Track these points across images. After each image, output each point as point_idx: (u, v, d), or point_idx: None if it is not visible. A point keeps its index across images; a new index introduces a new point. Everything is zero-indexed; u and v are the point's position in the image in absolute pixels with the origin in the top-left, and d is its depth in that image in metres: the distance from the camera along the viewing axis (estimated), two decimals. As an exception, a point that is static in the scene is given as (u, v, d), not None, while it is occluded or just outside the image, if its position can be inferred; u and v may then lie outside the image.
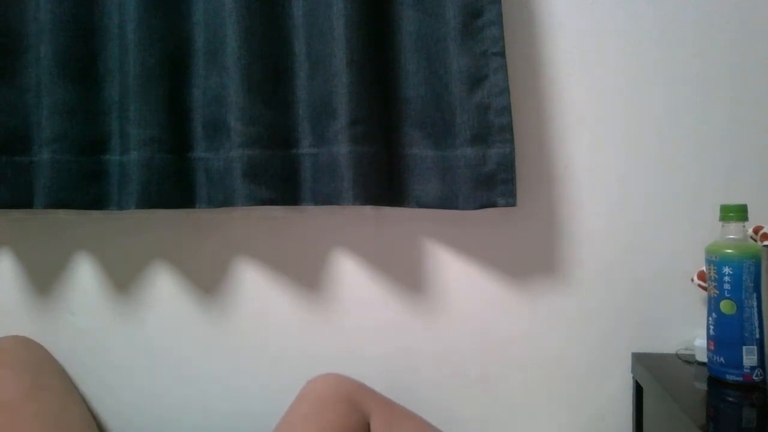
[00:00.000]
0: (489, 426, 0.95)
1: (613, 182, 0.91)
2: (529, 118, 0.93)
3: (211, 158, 0.93)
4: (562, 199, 0.93)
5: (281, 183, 0.90)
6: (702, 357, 0.82)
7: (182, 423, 1.02)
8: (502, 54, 0.86)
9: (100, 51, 0.96)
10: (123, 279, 1.02)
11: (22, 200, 0.95)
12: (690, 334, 0.89)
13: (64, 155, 0.92)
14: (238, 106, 0.89)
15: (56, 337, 1.04)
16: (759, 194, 0.88)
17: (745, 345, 0.72)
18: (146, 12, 0.90)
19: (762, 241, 0.80)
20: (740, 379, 0.73)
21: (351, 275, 0.98)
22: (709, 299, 0.76)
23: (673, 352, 0.89)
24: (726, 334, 0.74)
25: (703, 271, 0.83)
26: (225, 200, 0.92)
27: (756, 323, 0.72)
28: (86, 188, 0.94)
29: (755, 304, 0.72)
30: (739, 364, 0.73)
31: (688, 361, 0.85)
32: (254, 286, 1.00)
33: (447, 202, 0.89)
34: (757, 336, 0.72)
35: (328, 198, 0.89)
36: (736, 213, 0.75)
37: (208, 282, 1.01)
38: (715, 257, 0.75)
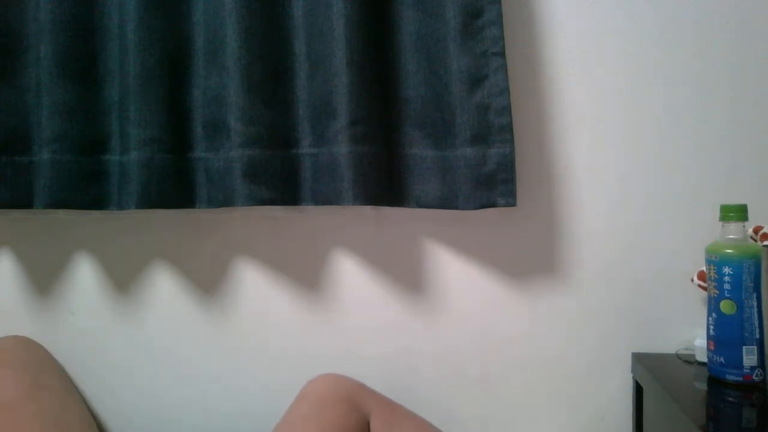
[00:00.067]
0: (489, 426, 0.95)
1: (613, 182, 0.91)
2: (529, 118, 0.93)
3: (211, 158, 0.93)
4: (562, 199, 0.93)
5: (281, 183, 0.90)
6: (702, 357, 0.82)
7: (182, 423, 1.02)
8: (502, 54, 0.86)
9: (100, 51, 0.96)
10: (123, 279, 1.02)
11: (22, 200, 0.95)
12: (690, 334, 0.89)
13: (64, 155, 0.92)
14: (238, 106, 0.89)
15: (56, 337, 1.04)
16: (759, 194, 0.88)
17: (745, 345, 0.72)
18: (146, 12, 0.90)
19: (762, 241, 0.80)
20: (740, 379, 0.73)
21: (351, 275, 0.98)
22: (709, 299, 0.76)
23: (673, 352, 0.89)
24: (726, 334, 0.74)
25: (703, 271, 0.83)
26: (225, 200, 0.92)
27: (756, 323, 0.72)
28: (86, 188, 0.94)
29: (755, 304, 0.72)
30: (739, 364, 0.73)
31: (688, 361, 0.85)
32: (254, 286, 1.00)
33: (447, 202, 0.89)
34: (757, 336, 0.72)
35: (328, 198, 0.89)
36: (736, 213, 0.75)
37: (208, 282, 1.01)
38: (715, 257, 0.75)
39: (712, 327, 0.76)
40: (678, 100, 0.90)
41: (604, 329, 0.92)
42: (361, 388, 0.90)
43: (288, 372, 0.99)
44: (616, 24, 0.91)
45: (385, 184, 0.89)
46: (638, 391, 0.89)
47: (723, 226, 0.76)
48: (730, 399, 0.70)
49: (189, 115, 0.95)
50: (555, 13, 0.92)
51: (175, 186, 0.92)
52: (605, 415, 0.92)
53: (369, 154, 0.87)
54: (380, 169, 0.88)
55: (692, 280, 0.86)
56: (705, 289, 0.81)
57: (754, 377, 0.72)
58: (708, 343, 0.77)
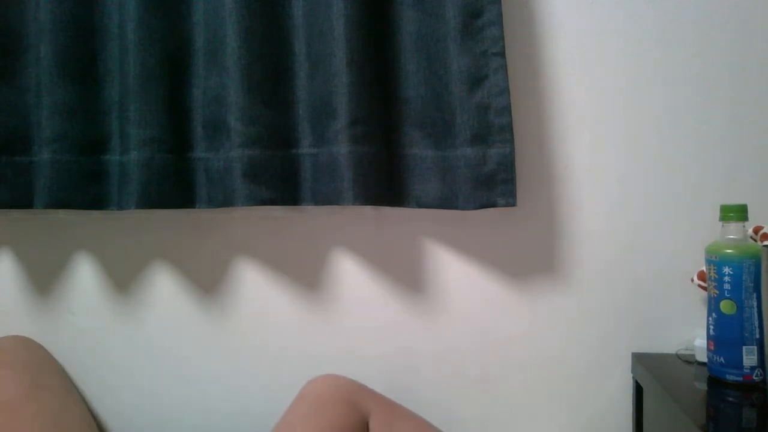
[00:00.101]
0: (489, 426, 0.95)
1: (613, 182, 0.91)
2: (529, 118, 0.93)
3: (211, 158, 0.93)
4: (562, 199, 0.93)
5: (281, 183, 0.90)
6: (702, 357, 0.82)
7: (182, 423, 1.02)
8: (502, 54, 0.86)
9: (100, 51, 0.96)
10: (123, 279, 1.02)
11: (22, 200, 0.95)
12: (690, 334, 0.89)
13: (64, 155, 0.92)
14: (238, 106, 0.89)
15: (56, 337, 1.04)
16: (759, 194, 0.88)
17: (745, 345, 0.72)
18: (146, 12, 0.90)
19: (762, 241, 0.80)
20: (740, 379, 0.73)
21: (351, 275, 0.98)
22: (709, 299, 0.76)
23: (673, 352, 0.89)
24: (726, 334, 0.74)
25: (703, 271, 0.83)
26: (225, 200, 0.92)
27: (756, 323, 0.72)
28: (86, 188, 0.94)
29: (755, 304, 0.72)
30: (739, 364, 0.73)
31: (688, 361, 0.85)
32: (254, 286, 1.00)
33: (447, 202, 0.89)
34: (757, 336, 0.72)
35: (328, 198, 0.89)
36: (736, 213, 0.75)
37: (208, 282, 1.01)
38: (715, 257, 0.75)
39: (712, 327, 0.76)
40: (678, 100, 0.90)
41: (604, 329, 0.92)
42: (361, 388, 0.90)
43: (288, 372, 0.99)
44: (616, 24, 0.91)
45: (385, 184, 0.89)
46: (638, 391, 0.89)
47: (723, 226, 0.76)
48: (730, 399, 0.70)
49: (189, 115, 0.95)
50: (555, 13, 0.92)
51: (175, 186, 0.92)
52: (605, 415, 0.92)
53: (369, 154, 0.87)
54: (380, 169, 0.88)
55: (692, 280, 0.86)
56: (705, 289, 0.81)
57: (754, 377, 0.72)
58: (708, 343, 0.77)
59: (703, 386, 0.75)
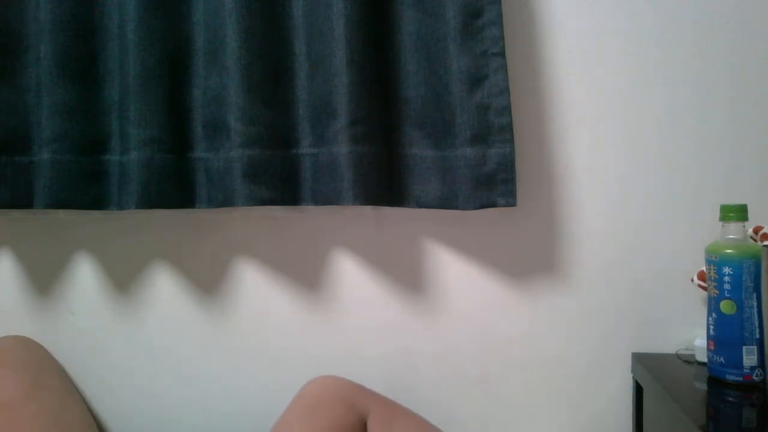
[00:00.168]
0: (489, 426, 0.95)
1: (613, 182, 0.91)
2: (529, 118, 0.93)
3: (211, 158, 0.93)
4: (562, 199, 0.93)
5: (281, 183, 0.90)
6: (702, 357, 0.82)
7: (182, 423, 1.02)
8: (502, 54, 0.86)
9: (100, 51, 0.96)
10: (123, 279, 1.02)
11: (22, 200, 0.95)
12: (690, 334, 0.89)
13: (64, 155, 0.92)
14: (238, 106, 0.89)
15: (56, 337, 1.04)
16: (759, 194, 0.88)
17: (745, 345, 0.72)
18: (146, 12, 0.90)
19: (762, 241, 0.80)
20: (740, 379, 0.73)
21: (351, 275, 0.98)
22: (709, 299, 0.76)
23: (673, 352, 0.89)
24: (726, 334, 0.74)
25: (703, 271, 0.83)
26: (225, 200, 0.92)
27: (756, 323, 0.72)
28: (86, 188, 0.94)
29: (755, 304, 0.72)
30: (739, 364, 0.73)
31: (688, 361, 0.85)
32: (254, 286, 1.00)
33: (447, 202, 0.89)
34: (757, 336, 0.72)
35: (328, 198, 0.89)
36: (736, 213, 0.75)
37: (208, 282, 1.01)
38: (715, 257, 0.75)
39: (712, 327, 0.76)
40: (678, 100, 0.90)
41: (604, 329, 0.92)
42: (359, 388, 0.90)
43: (288, 372, 0.99)
44: (616, 24, 0.91)
45: (385, 184, 0.89)
46: (638, 391, 0.89)
47: (723, 226, 0.76)
48: (730, 399, 0.70)
49: (189, 115, 0.95)
50: (555, 13, 0.92)
51: (175, 186, 0.92)
52: (605, 415, 0.92)
53: (369, 154, 0.87)
54: (380, 169, 0.88)
55: (692, 280, 0.86)
56: (705, 289, 0.81)
57: (754, 377, 0.72)
58: (708, 343, 0.77)
59: (703, 386, 0.75)
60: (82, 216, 1.02)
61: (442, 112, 0.89)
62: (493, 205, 0.86)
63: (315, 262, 0.99)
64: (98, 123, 0.95)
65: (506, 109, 0.85)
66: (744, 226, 0.75)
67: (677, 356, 0.87)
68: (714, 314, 0.75)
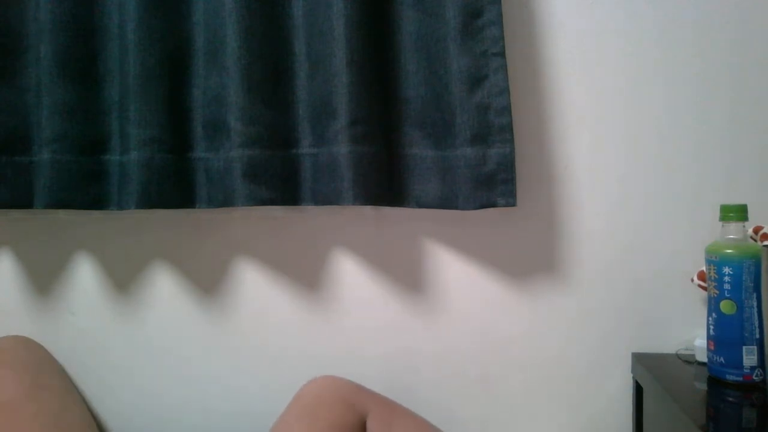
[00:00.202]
0: (489, 426, 0.95)
1: (613, 182, 0.91)
2: (529, 118, 0.93)
3: (211, 158, 0.93)
4: (562, 199, 0.93)
5: (281, 183, 0.90)
6: (702, 357, 0.82)
7: (182, 423, 1.02)
8: (502, 54, 0.86)
9: (100, 51, 0.96)
10: (123, 279, 1.02)
11: (22, 200, 0.95)
12: (690, 334, 0.89)
13: (64, 155, 0.92)
14: (238, 106, 0.89)
15: (56, 337, 1.04)
16: (759, 194, 0.88)
17: (745, 345, 0.72)
18: (146, 12, 0.90)
19: (762, 241, 0.80)
20: (740, 379, 0.73)
21: (351, 275, 0.98)
22: (709, 299, 0.76)
23: (673, 352, 0.89)
24: (726, 334, 0.74)
25: (703, 271, 0.83)
26: (225, 200, 0.92)
27: (756, 323, 0.72)
28: (86, 188, 0.94)
29: (755, 304, 0.72)
30: (739, 364, 0.73)
31: (688, 361, 0.85)
32: (254, 286, 1.00)
33: (447, 202, 0.89)
34: (757, 336, 0.72)
35: (328, 198, 0.89)
36: (736, 213, 0.75)
37: (208, 282, 1.01)
38: (715, 257, 0.75)
39: (712, 327, 0.76)
40: (678, 100, 0.90)
41: (604, 329, 0.92)
42: (359, 389, 0.90)
43: (288, 372, 0.99)
44: (616, 24, 0.91)
45: (385, 184, 0.89)
46: (638, 391, 0.89)
47: (723, 226, 0.76)
48: (730, 399, 0.70)
49: (189, 115, 0.95)
50: (555, 13, 0.92)
51: (175, 186, 0.92)
52: (605, 415, 0.92)
53: (369, 154, 0.87)
54: (380, 169, 0.88)
55: (692, 280, 0.86)
56: (705, 289, 0.81)
57: (754, 377, 0.72)
58: (708, 343, 0.77)
59: (703, 386, 0.75)
60: (82, 216, 1.02)
61: (442, 112, 0.89)
62: (493, 205, 0.86)
63: (315, 262, 0.99)
64: (98, 123, 0.95)
65: (506, 109, 0.85)
66: (744, 226, 0.75)
67: (677, 356, 0.87)
68: (714, 314, 0.75)
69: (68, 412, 0.92)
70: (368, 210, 0.97)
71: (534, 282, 0.94)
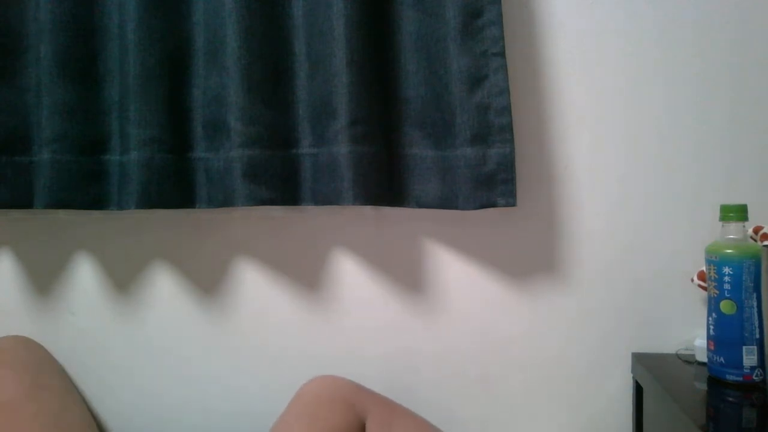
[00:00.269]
0: (489, 426, 0.95)
1: (613, 182, 0.91)
2: (529, 118, 0.93)
3: (211, 158, 0.93)
4: (562, 199, 0.93)
5: (281, 183, 0.90)
6: (702, 357, 0.82)
7: (182, 423, 1.02)
8: (502, 54, 0.86)
9: (100, 51, 0.96)
10: (123, 279, 1.02)
11: (22, 200, 0.95)
12: (690, 334, 0.89)
13: (64, 155, 0.92)
14: (238, 106, 0.89)
15: (56, 337, 1.04)
16: (759, 194, 0.88)
17: (745, 345, 0.72)
18: (146, 12, 0.90)
19: (762, 241, 0.80)
20: (740, 379, 0.73)
21: (351, 275, 0.98)
22: (709, 299, 0.76)
23: (673, 352, 0.89)
24: (726, 334, 0.74)
25: (703, 271, 0.83)
26: (225, 200, 0.92)
27: (756, 323, 0.72)
28: (86, 188, 0.94)
29: (755, 304, 0.72)
30: (739, 364, 0.73)
31: (688, 361, 0.85)
32: (254, 286, 1.00)
33: (447, 202, 0.89)
34: (757, 336, 0.72)
35: (328, 198, 0.89)
36: (736, 213, 0.75)
37: (208, 282, 1.01)
38: (715, 257, 0.75)
39: (712, 327, 0.76)
40: (678, 100, 0.90)
41: (604, 329, 0.92)
42: (359, 388, 0.90)
43: (288, 372, 0.99)
44: (616, 24, 0.91)
45: (385, 184, 0.89)
46: (638, 391, 0.89)
47: (723, 226, 0.76)
48: (730, 399, 0.70)
49: (189, 115, 0.95)
50: (555, 13, 0.92)
51: (175, 186, 0.92)
52: (605, 415, 0.92)
53: (369, 154, 0.87)
54: (380, 169, 0.88)
55: (692, 280, 0.86)
56: (705, 289, 0.81)
57: (754, 377, 0.72)
58: (708, 343, 0.77)
59: (703, 386, 0.75)
60: (82, 216, 1.02)
61: (442, 112, 0.89)
62: (493, 205, 0.86)
63: (315, 262, 0.99)
64: (98, 123, 0.95)
65: (506, 109, 0.85)
66: (744, 226, 0.75)
67: (677, 356, 0.87)
68: (714, 314, 0.75)
69: (68, 412, 0.92)
70: (368, 210, 0.97)
71: (534, 282, 0.94)
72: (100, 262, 1.03)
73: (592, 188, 0.92)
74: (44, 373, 0.96)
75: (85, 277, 1.03)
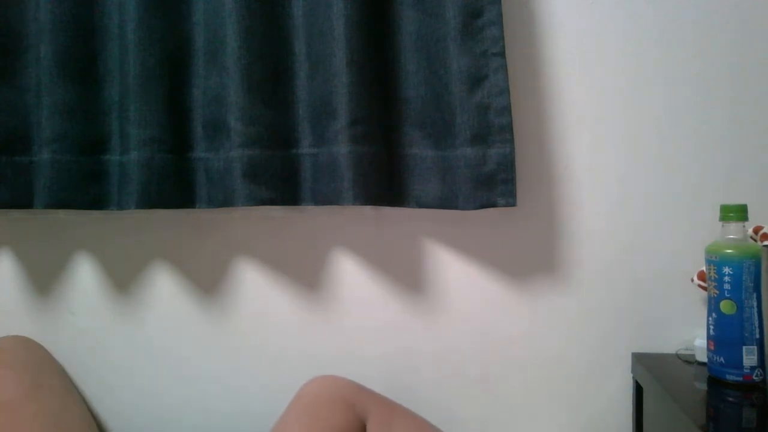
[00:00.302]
0: (489, 426, 0.95)
1: (613, 182, 0.91)
2: (529, 118, 0.93)
3: (211, 158, 0.93)
4: (562, 199, 0.93)
5: (281, 183, 0.90)
6: (702, 357, 0.82)
7: (182, 423, 1.02)
8: (502, 54, 0.86)
9: (100, 51, 0.96)
10: (123, 279, 1.02)
11: (22, 200, 0.95)
12: (690, 334, 0.89)
13: (64, 155, 0.92)
14: (238, 106, 0.89)
15: (56, 337, 1.04)
16: (759, 194, 0.88)
17: (745, 345, 0.72)
18: (146, 12, 0.90)
19: (762, 241, 0.80)
20: (740, 379, 0.73)
21: (351, 275, 0.98)
22: (709, 299, 0.76)
23: (673, 352, 0.89)
24: (726, 334, 0.74)
25: (703, 271, 0.83)
26: (225, 200, 0.92)
27: (756, 323, 0.72)
28: (86, 188, 0.94)
29: (755, 304, 0.72)
30: (739, 364, 0.73)
31: (688, 361, 0.85)
32: (254, 286, 1.00)
33: (447, 202, 0.89)
34: (757, 336, 0.72)
35: (328, 198, 0.89)
36: (736, 213, 0.75)
37: (208, 282, 1.01)
38: (715, 257, 0.75)
39: (712, 327, 0.76)
40: (678, 100, 0.90)
41: (604, 329, 0.92)
42: (359, 389, 0.90)
43: (288, 372, 0.99)
44: (616, 24, 0.91)
45: (385, 184, 0.89)
46: (638, 391, 0.89)
47: (723, 226, 0.76)
48: (730, 399, 0.70)
49: (189, 115, 0.95)
50: (555, 13, 0.92)
51: (175, 186, 0.92)
52: (605, 415, 0.92)
53: (369, 154, 0.87)
54: (380, 169, 0.88)
55: (692, 280, 0.86)
56: (705, 289, 0.81)
57: (754, 377, 0.72)
58: (708, 343, 0.77)
59: (703, 386, 0.75)
60: (82, 216, 1.02)
61: (442, 112, 0.89)
62: (493, 205, 0.86)
63: (315, 262, 0.99)
64: (98, 123, 0.95)
65: (506, 109, 0.85)
66: (744, 226, 0.75)
67: (677, 356, 0.87)
68: (714, 314, 0.75)
69: (68, 412, 0.92)
70: (368, 210, 0.97)
71: (534, 282, 0.94)
72: (100, 262, 1.03)
73: (592, 188, 0.92)
74: (44, 373, 0.96)
75: (85, 277, 1.03)
